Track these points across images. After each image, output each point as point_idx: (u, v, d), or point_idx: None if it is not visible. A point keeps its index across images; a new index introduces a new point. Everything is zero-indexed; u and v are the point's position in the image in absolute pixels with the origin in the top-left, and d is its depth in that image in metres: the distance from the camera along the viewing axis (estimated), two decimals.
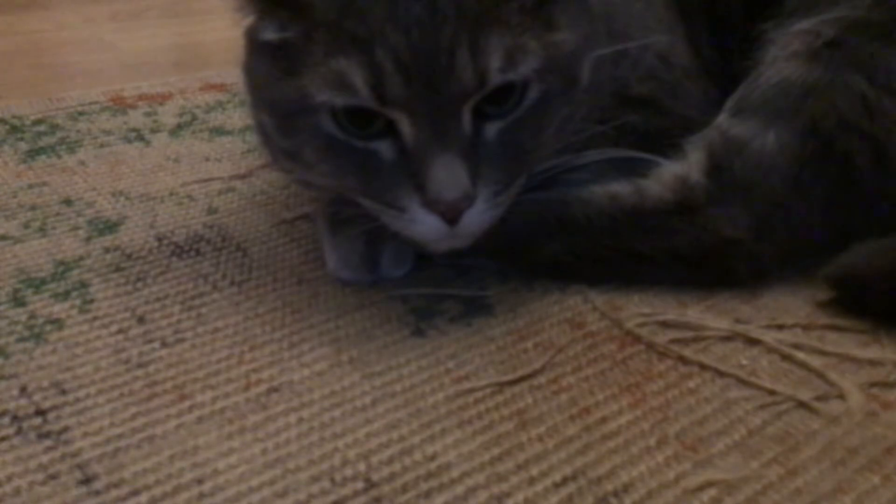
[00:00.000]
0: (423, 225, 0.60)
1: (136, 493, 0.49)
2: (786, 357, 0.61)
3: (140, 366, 0.60)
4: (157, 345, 0.62)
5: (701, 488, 0.50)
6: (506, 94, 0.60)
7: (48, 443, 0.53)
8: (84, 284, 0.69)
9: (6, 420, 0.54)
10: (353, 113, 0.60)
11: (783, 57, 0.68)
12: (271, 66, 0.63)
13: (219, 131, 1.01)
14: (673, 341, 0.62)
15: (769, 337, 0.63)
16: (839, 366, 0.60)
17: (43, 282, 0.69)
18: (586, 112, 0.67)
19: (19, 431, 0.54)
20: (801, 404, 0.57)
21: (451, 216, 0.59)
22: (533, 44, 0.60)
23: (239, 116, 1.04)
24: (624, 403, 0.57)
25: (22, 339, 0.62)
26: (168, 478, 0.50)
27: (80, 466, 0.51)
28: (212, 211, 0.81)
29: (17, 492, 0.49)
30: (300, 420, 0.55)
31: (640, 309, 0.66)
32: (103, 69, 1.28)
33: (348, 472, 0.51)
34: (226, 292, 0.68)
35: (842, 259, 0.65)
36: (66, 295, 0.68)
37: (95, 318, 0.65)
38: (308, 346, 0.62)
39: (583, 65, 0.65)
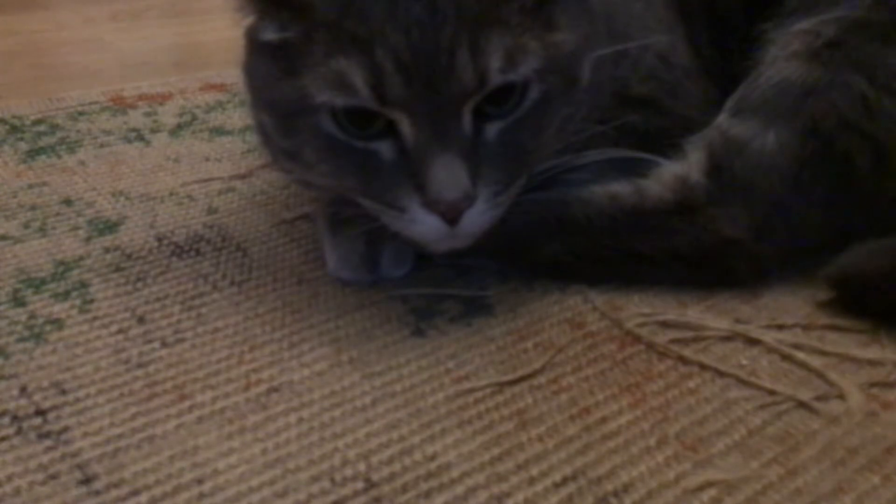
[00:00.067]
0: (424, 225, 0.60)
1: (136, 493, 0.49)
2: (786, 357, 0.61)
3: (140, 366, 0.60)
4: (157, 345, 0.62)
5: (701, 488, 0.50)
6: (506, 94, 0.60)
7: (48, 443, 0.53)
8: (84, 284, 0.69)
9: (6, 420, 0.54)
10: (354, 113, 0.60)
11: (783, 57, 0.68)
12: (271, 66, 0.63)
13: (219, 131, 1.01)
14: (673, 341, 0.62)
15: (769, 337, 0.63)
16: (839, 366, 0.60)
17: (43, 282, 0.69)
18: (586, 112, 0.67)
19: (19, 431, 0.54)
20: (801, 404, 0.57)
21: (452, 216, 0.59)
22: (533, 44, 0.60)
23: (239, 116, 1.04)
24: (624, 403, 0.57)
25: (22, 339, 0.62)
26: (168, 478, 0.50)
27: (80, 466, 0.51)
28: (212, 211, 0.81)
29: (17, 492, 0.49)
30: (300, 420, 0.55)
31: (640, 309, 0.66)
32: (103, 69, 1.28)
33: (348, 472, 0.51)
34: (226, 292, 0.68)
35: (842, 259, 0.65)
36: (66, 295, 0.68)
37: (95, 318, 0.65)
38: (308, 346, 0.62)
39: (583, 65, 0.65)
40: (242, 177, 0.89)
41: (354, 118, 0.60)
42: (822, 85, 0.66)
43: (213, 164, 0.92)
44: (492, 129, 0.60)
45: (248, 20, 0.64)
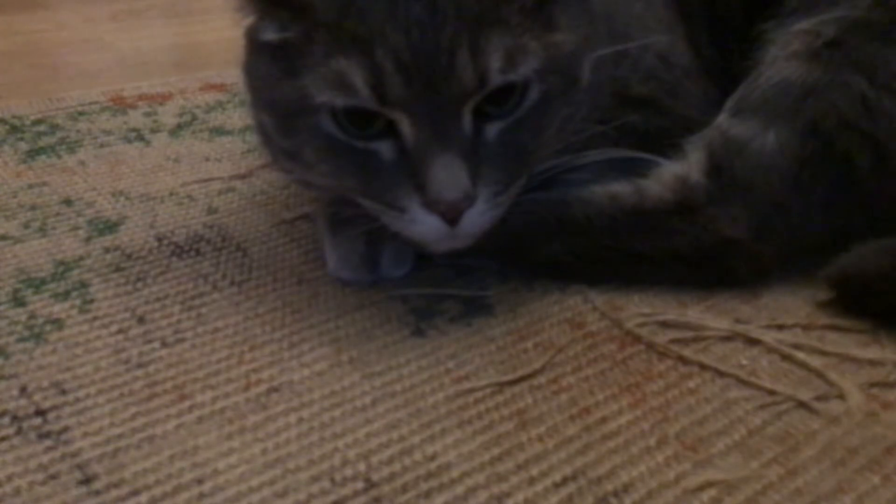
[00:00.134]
0: (424, 225, 0.60)
1: (136, 493, 0.49)
2: (786, 357, 0.61)
3: (140, 366, 0.60)
4: (157, 345, 0.62)
5: (701, 488, 0.50)
6: (506, 94, 0.60)
7: (48, 443, 0.53)
8: (84, 284, 0.69)
9: (6, 420, 0.54)
10: (354, 113, 0.60)
11: (783, 57, 0.68)
12: (271, 66, 0.63)
13: (219, 131, 1.01)
14: (673, 341, 0.63)
15: (769, 337, 0.63)
16: (839, 366, 0.60)
17: (43, 282, 0.69)
18: (586, 112, 0.67)
19: (19, 431, 0.54)
20: (801, 404, 0.57)
21: (452, 216, 0.59)
22: (533, 44, 0.60)
23: (239, 116, 1.04)
24: (624, 403, 0.57)
25: (22, 339, 0.62)
26: (168, 478, 0.50)
27: (80, 466, 0.51)
28: (212, 211, 0.81)
29: (17, 492, 0.49)
30: (300, 420, 0.55)
31: (640, 309, 0.66)
32: (103, 69, 1.28)
33: (348, 472, 0.51)
34: (226, 292, 0.68)
35: (842, 259, 0.65)
36: (66, 295, 0.68)
37: (95, 318, 0.65)
38: (308, 346, 0.62)
39: (583, 65, 0.65)
40: (242, 177, 0.89)
41: (354, 118, 0.60)
42: (822, 85, 0.66)
43: (213, 164, 0.92)
44: (492, 130, 0.60)
45: (248, 20, 0.64)
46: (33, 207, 0.82)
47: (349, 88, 0.58)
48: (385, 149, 0.60)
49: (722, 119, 0.69)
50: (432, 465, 0.52)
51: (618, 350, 0.62)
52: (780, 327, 0.64)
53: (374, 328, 0.64)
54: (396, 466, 0.52)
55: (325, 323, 0.65)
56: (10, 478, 0.50)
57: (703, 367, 0.60)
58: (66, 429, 0.54)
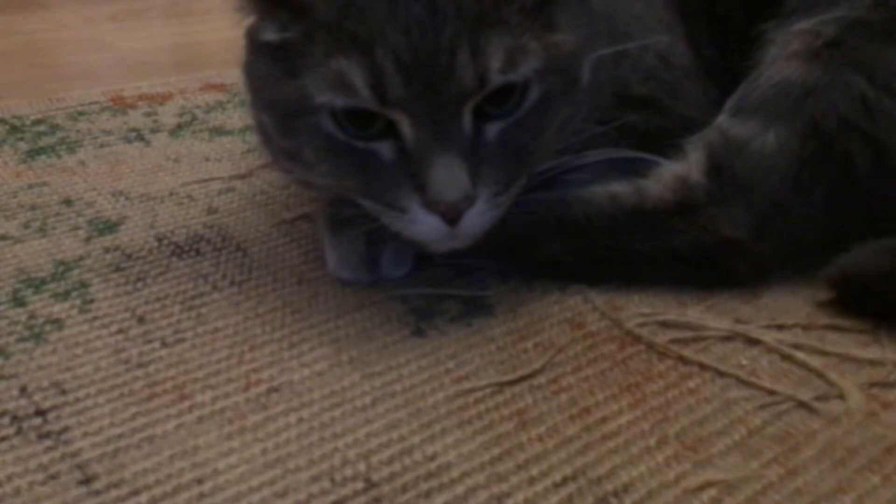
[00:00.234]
0: (424, 225, 0.60)
1: (136, 493, 0.49)
2: (786, 357, 0.61)
3: (140, 366, 0.60)
4: (157, 345, 0.62)
5: (701, 488, 0.50)
6: (506, 94, 0.60)
7: (48, 443, 0.53)
8: (84, 284, 0.69)
9: (6, 420, 0.54)
10: (354, 113, 0.60)
11: (783, 57, 0.68)
12: (271, 66, 0.63)
13: (219, 131, 1.01)
14: (673, 341, 0.62)
15: (769, 337, 0.63)
16: (839, 366, 0.60)
17: (43, 282, 0.69)
18: (586, 112, 0.67)
19: (19, 431, 0.54)
20: (801, 404, 0.57)
21: (452, 217, 0.59)
22: (533, 44, 0.60)
23: (239, 116, 1.04)
24: (624, 403, 0.57)
25: (22, 339, 0.62)
26: (168, 478, 0.50)
27: (80, 466, 0.51)
28: (212, 211, 0.81)
29: (17, 492, 0.49)
30: (300, 420, 0.55)
31: (640, 309, 0.66)
32: (103, 69, 1.28)
33: (348, 472, 0.51)
34: (226, 292, 0.68)
35: (842, 259, 0.65)
36: (66, 295, 0.68)
37: (95, 318, 0.65)
38: (308, 346, 0.62)
39: (583, 65, 0.65)
40: (242, 177, 0.89)
41: (354, 118, 0.60)
42: (822, 85, 0.66)
43: (213, 164, 0.92)
44: (492, 130, 0.60)
45: (249, 20, 0.64)
46: (33, 207, 0.82)
47: (349, 89, 0.58)
48: (385, 149, 0.60)
49: (722, 119, 0.69)
50: (432, 465, 0.52)
51: (618, 350, 0.62)
52: (780, 327, 0.64)
53: (374, 328, 0.64)
54: (396, 466, 0.52)
55: (325, 323, 0.65)
56: (10, 478, 0.50)
57: (703, 367, 0.60)
58: (66, 429, 0.54)
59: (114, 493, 0.49)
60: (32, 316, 0.65)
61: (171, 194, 0.85)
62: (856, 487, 0.50)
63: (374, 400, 0.57)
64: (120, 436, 0.53)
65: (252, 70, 0.67)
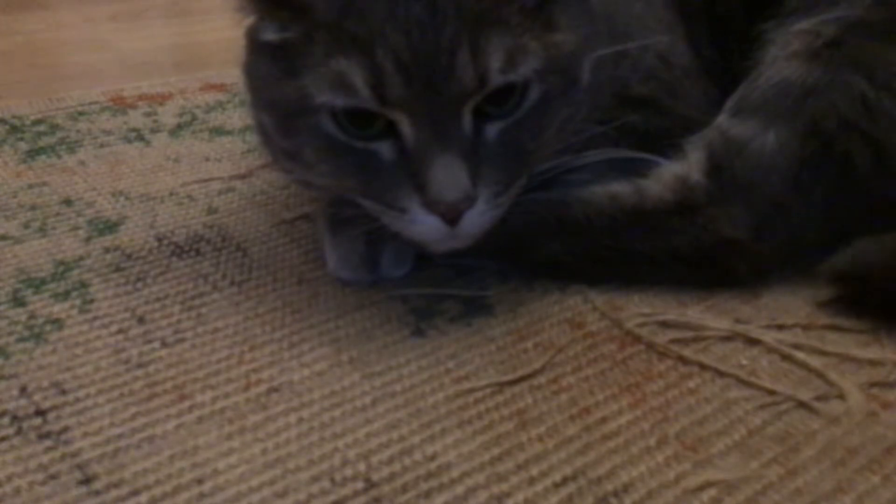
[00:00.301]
0: (424, 226, 0.59)
1: (136, 493, 0.49)
2: (786, 357, 0.61)
3: (140, 366, 0.60)
4: (157, 345, 0.62)
5: (701, 488, 0.50)
6: (506, 94, 0.60)
7: (48, 443, 0.53)
8: (84, 284, 0.69)
9: (6, 420, 0.54)
10: (354, 114, 0.60)
11: (783, 57, 0.68)
12: (271, 66, 0.63)
13: (219, 131, 1.01)
14: (673, 341, 0.62)
15: (769, 337, 0.63)
16: (839, 366, 0.60)
17: (43, 282, 0.69)
18: (586, 112, 0.67)
19: (19, 431, 0.54)
20: (801, 404, 0.57)
21: (452, 217, 0.59)
22: (533, 44, 0.60)
23: (239, 116, 1.04)
24: (624, 403, 0.57)
25: (22, 339, 0.62)
26: (168, 478, 0.50)
27: (80, 466, 0.51)
28: (212, 211, 0.81)
29: (17, 492, 0.49)
30: (300, 420, 0.55)
31: (640, 309, 0.66)
32: (103, 69, 1.28)
33: (348, 472, 0.51)
34: (226, 292, 0.68)
35: (842, 255, 0.65)
36: (66, 295, 0.68)
37: (95, 318, 0.65)
38: (308, 346, 0.62)
39: (583, 65, 0.65)
40: (242, 177, 0.89)
41: (354, 119, 0.60)
42: (822, 85, 0.66)
43: (213, 164, 0.92)
44: (492, 130, 0.60)
45: (249, 20, 0.64)
46: (33, 207, 0.82)
47: (349, 89, 0.58)
48: (385, 149, 0.60)
49: (722, 119, 0.69)
50: (432, 465, 0.52)
51: (618, 350, 0.62)
52: (780, 327, 0.64)
53: (374, 328, 0.64)
54: (396, 466, 0.52)
55: (325, 323, 0.65)
56: (10, 478, 0.50)
57: (703, 367, 0.60)
58: (66, 429, 0.54)
59: (114, 493, 0.49)
60: (32, 316, 0.65)
61: (171, 194, 0.85)
62: (856, 487, 0.50)
63: (374, 400, 0.57)
64: (120, 436, 0.53)
65: (252, 70, 0.67)
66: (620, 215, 0.68)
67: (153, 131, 1.01)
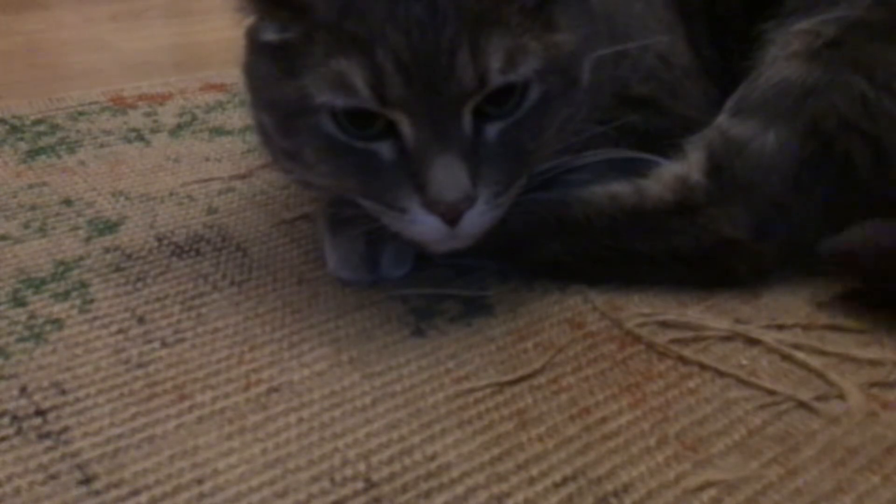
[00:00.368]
0: (424, 226, 0.59)
1: (136, 493, 0.49)
2: (786, 357, 0.61)
3: (140, 366, 0.60)
4: (157, 345, 0.62)
5: (701, 488, 0.50)
6: (506, 94, 0.60)
7: (48, 443, 0.53)
8: (84, 284, 0.69)
9: (6, 420, 0.54)
10: (354, 114, 0.60)
11: (783, 57, 0.68)
12: (271, 66, 0.63)
13: (219, 131, 1.01)
14: (673, 341, 0.62)
15: (769, 337, 0.63)
16: (839, 366, 0.60)
17: (43, 282, 0.69)
18: (586, 112, 0.67)
19: (19, 431, 0.54)
20: (801, 404, 0.57)
21: (452, 217, 0.58)
22: (533, 45, 0.60)
23: (239, 116, 1.04)
24: (624, 403, 0.57)
25: (22, 339, 0.62)
26: (168, 478, 0.50)
27: (80, 466, 0.51)
28: (212, 211, 0.81)
29: (17, 492, 0.49)
30: (300, 420, 0.55)
31: (640, 309, 0.66)
32: (103, 69, 1.28)
33: (348, 472, 0.51)
34: (226, 292, 0.68)
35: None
36: (66, 295, 0.68)
37: (95, 318, 0.65)
38: (308, 346, 0.62)
39: (583, 65, 0.65)
40: (242, 177, 0.89)
41: (355, 119, 0.60)
42: (822, 85, 0.66)
43: (213, 164, 0.92)
44: (492, 130, 0.60)
45: (249, 20, 0.64)
46: (33, 207, 0.82)
47: (349, 89, 0.58)
48: (385, 149, 0.60)
49: (722, 119, 0.69)
50: (432, 465, 0.52)
51: (618, 350, 0.62)
52: (780, 327, 0.64)
53: (374, 328, 0.64)
54: (396, 466, 0.52)
55: (325, 323, 0.65)
56: (10, 478, 0.50)
57: (703, 367, 0.60)
58: (66, 429, 0.54)
59: (114, 493, 0.49)
60: (32, 316, 0.65)
61: (171, 194, 0.85)
62: (856, 487, 0.50)
63: (374, 400, 0.57)
64: (120, 436, 0.53)
65: (252, 70, 0.67)
66: (620, 215, 0.68)
67: (153, 131, 1.01)
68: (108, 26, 1.51)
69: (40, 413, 0.55)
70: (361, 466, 0.52)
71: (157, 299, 0.67)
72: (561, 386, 0.58)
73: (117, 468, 0.51)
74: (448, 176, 0.58)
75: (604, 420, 0.55)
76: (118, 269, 0.71)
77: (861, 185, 0.66)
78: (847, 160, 0.66)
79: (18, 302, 0.67)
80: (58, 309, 0.66)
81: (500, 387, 0.58)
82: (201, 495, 0.49)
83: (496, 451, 0.53)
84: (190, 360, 0.60)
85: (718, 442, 0.54)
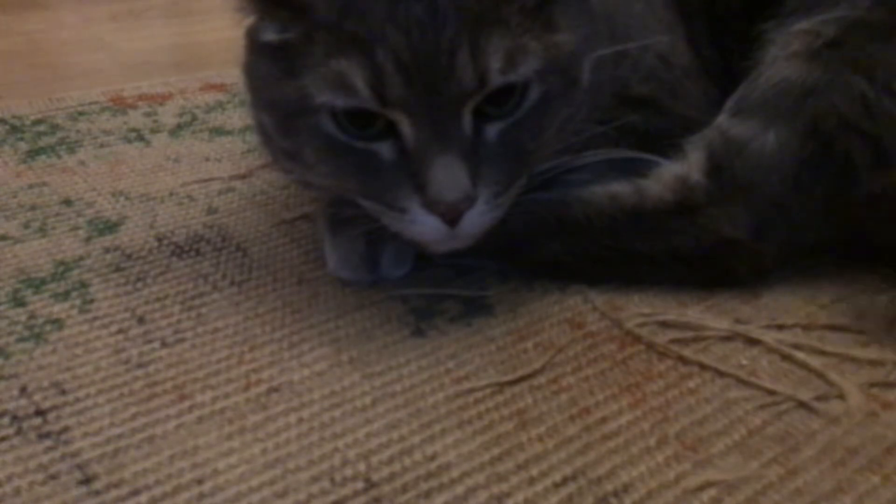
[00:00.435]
0: (424, 226, 0.59)
1: (136, 493, 0.49)
2: (786, 357, 0.61)
3: (140, 366, 0.60)
4: (157, 345, 0.62)
5: (701, 488, 0.50)
6: (506, 95, 0.60)
7: (48, 443, 0.53)
8: (84, 284, 0.69)
9: (6, 420, 0.54)
10: (354, 114, 0.60)
11: (783, 57, 0.68)
12: (271, 66, 0.63)
13: (219, 131, 1.01)
14: (673, 341, 0.62)
15: (769, 337, 0.63)
16: (839, 366, 0.60)
17: (43, 282, 0.69)
18: (587, 112, 0.67)
19: (19, 431, 0.54)
20: (801, 404, 0.57)
21: (452, 217, 0.58)
22: (533, 45, 0.60)
23: (239, 116, 1.04)
24: (624, 403, 0.57)
25: (22, 339, 0.62)
26: (168, 478, 0.50)
27: (80, 466, 0.51)
28: (212, 211, 0.81)
29: (17, 492, 0.49)
30: (300, 420, 0.55)
31: (640, 309, 0.66)
32: (103, 69, 1.28)
33: (348, 472, 0.51)
34: (226, 292, 0.68)
35: None
36: (66, 295, 0.68)
37: (95, 318, 0.65)
38: (308, 346, 0.62)
39: (583, 65, 0.65)
40: (242, 177, 0.89)
41: (355, 119, 0.60)
42: (822, 85, 0.66)
43: (213, 164, 0.92)
44: (492, 130, 0.60)
45: (249, 20, 0.64)
46: (33, 207, 0.82)
47: (349, 89, 0.58)
48: (385, 149, 0.60)
49: (722, 119, 0.69)
50: (432, 465, 0.52)
51: (618, 350, 0.62)
52: (780, 327, 0.64)
53: (374, 328, 0.64)
54: (396, 466, 0.52)
55: (325, 323, 0.65)
56: (10, 478, 0.50)
57: (703, 367, 0.60)
58: (66, 429, 0.54)
59: (114, 493, 0.49)
60: (32, 316, 0.65)
61: (171, 194, 0.85)
62: (856, 487, 0.50)
63: (374, 400, 0.57)
64: (120, 436, 0.53)
65: (252, 70, 0.67)
66: (620, 215, 0.68)
67: (153, 131, 1.01)
68: (108, 26, 1.51)
69: (40, 413, 0.55)
70: (361, 466, 0.52)
71: (157, 299, 0.67)
72: (561, 386, 0.58)
73: (117, 468, 0.51)
74: (448, 176, 0.57)
75: (604, 420, 0.55)
76: (118, 269, 0.71)
77: (861, 186, 0.66)
78: (847, 160, 0.66)
79: (18, 302, 0.67)
80: (58, 309, 0.66)
81: (500, 387, 0.58)
82: (201, 495, 0.49)
83: (496, 451, 0.53)
84: (190, 360, 0.60)
85: (718, 442, 0.54)
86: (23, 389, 0.57)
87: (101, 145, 0.96)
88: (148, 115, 1.06)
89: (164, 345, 0.62)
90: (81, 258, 0.73)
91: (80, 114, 1.05)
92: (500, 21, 0.58)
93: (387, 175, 0.60)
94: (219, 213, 0.81)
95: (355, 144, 0.61)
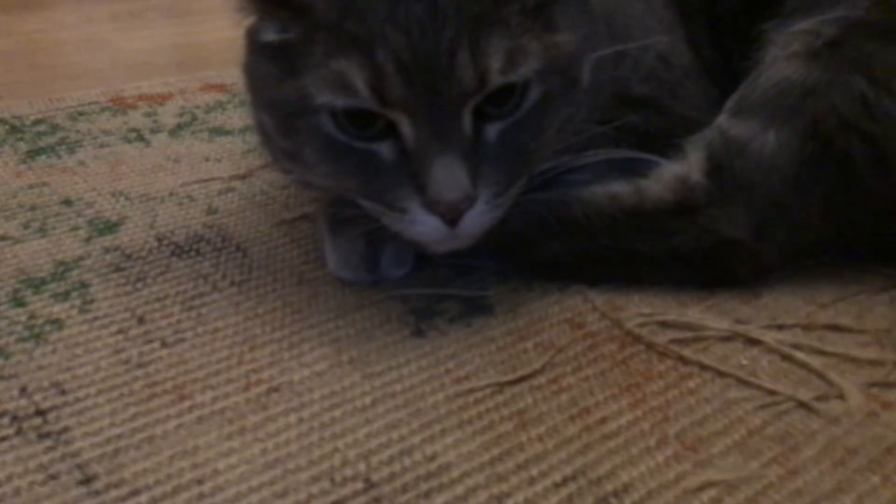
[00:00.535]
0: (424, 226, 0.59)
1: (136, 493, 0.49)
2: (786, 357, 0.61)
3: (140, 366, 0.60)
4: (157, 345, 0.62)
5: (701, 488, 0.50)
6: (506, 95, 0.60)
7: (48, 443, 0.53)
8: (84, 284, 0.69)
9: (6, 420, 0.54)
10: (354, 114, 0.60)
11: (783, 57, 0.68)
12: (271, 66, 0.63)
13: (219, 131, 1.01)
14: (673, 341, 0.62)
15: (769, 337, 0.63)
16: (839, 366, 0.60)
17: (43, 282, 0.69)
18: (587, 113, 0.67)
19: (19, 431, 0.54)
20: (801, 404, 0.57)
21: (452, 217, 0.58)
22: (533, 45, 0.60)
23: (239, 116, 1.04)
24: (624, 403, 0.57)
25: (22, 339, 0.62)
26: (168, 478, 0.50)
27: (80, 466, 0.51)
28: (212, 211, 0.81)
29: (17, 492, 0.49)
30: (300, 420, 0.55)
31: (640, 309, 0.66)
32: (103, 69, 1.28)
33: (348, 472, 0.51)
34: (226, 292, 0.68)
35: None
36: (66, 295, 0.68)
37: (95, 318, 0.65)
38: (308, 346, 0.62)
39: (583, 66, 0.65)
40: (242, 177, 0.89)
41: (355, 119, 0.60)
42: (822, 85, 0.66)
43: (213, 164, 0.92)
44: (492, 130, 0.60)
45: (249, 20, 0.64)
46: (33, 207, 0.82)
47: (349, 89, 0.58)
48: (385, 150, 0.60)
49: (722, 119, 0.69)
50: (432, 465, 0.52)
51: (618, 350, 0.62)
52: (780, 327, 0.64)
53: (374, 328, 0.64)
54: (396, 466, 0.52)
55: (325, 323, 0.65)
56: (10, 478, 0.50)
57: (703, 367, 0.60)
58: (66, 429, 0.54)
59: (114, 493, 0.49)
60: (32, 316, 0.65)
61: (171, 194, 0.85)
62: (856, 487, 0.50)
63: (374, 400, 0.57)
64: (120, 436, 0.53)
65: (252, 70, 0.67)
66: (620, 215, 0.68)
67: (153, 131, 1.01)
68: (108, 26, 1.51)
69: (40, 413, 0.55)
70: (361, 466, 0.52)
71: (157, 299, 0.67)
72: (561, 386, 0.58)
73: (117, 468, 0.51)
74: (448, 176, 0.57)
75: (604, 420, 0.55)
76: (118, 269, 0.71)
77: (861, 185, 0.66)
78: (847, 160, 0.66)
79: (18, 302, 0.67)
80: (58, 309, 0.66)
81: (500, 387, 0.58)
82: (201, 495, 0.49)
83: (496, 451, 0.53)
84: (190, 360, 0.60)
85: (718, 442, 0.54)
86: (23, 389, 0.57)
87: (101, 145, 0.96)
88: (148, 115, 1.06)
89: (164, 345, 0.62)
90: (81, 258, 0.73)
91: (80, 114, 1.05)
92: (500, 21, 0.58)
93: (387, 175, 0.60)
94: (219, 213, 0.81)
95: (355, 144, 0.61)
